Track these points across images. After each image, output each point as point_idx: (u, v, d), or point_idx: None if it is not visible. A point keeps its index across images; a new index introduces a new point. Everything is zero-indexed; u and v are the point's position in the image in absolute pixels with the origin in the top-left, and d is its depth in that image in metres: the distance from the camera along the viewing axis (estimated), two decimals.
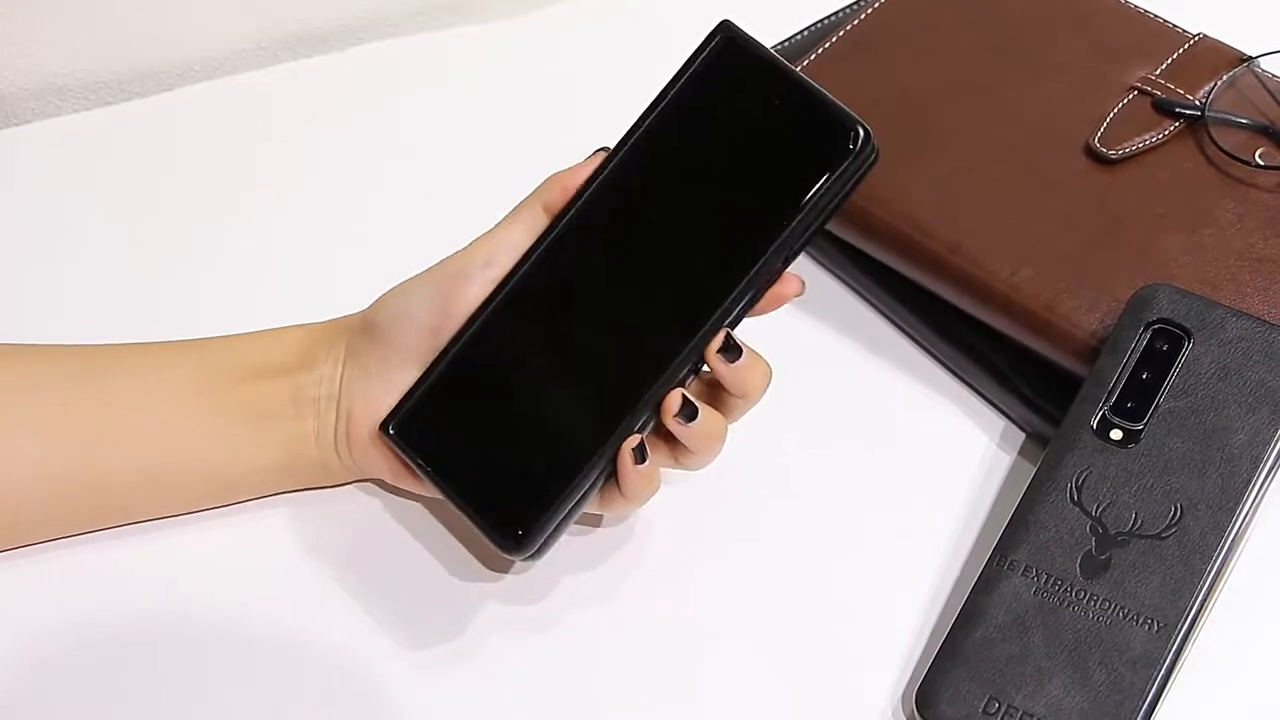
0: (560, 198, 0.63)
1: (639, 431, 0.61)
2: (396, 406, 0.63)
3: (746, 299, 0.61)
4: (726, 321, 0.61)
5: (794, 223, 0.60)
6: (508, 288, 0.63)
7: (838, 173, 0.60)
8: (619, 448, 0.61)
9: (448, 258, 0.64)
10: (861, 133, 0.60)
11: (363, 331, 0.65)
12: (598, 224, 0.63)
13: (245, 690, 0.62)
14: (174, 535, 0.66)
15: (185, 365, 0.65)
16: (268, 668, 0.63)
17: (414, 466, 0.63)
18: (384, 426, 0.63)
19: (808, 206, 0.60)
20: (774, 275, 0.61)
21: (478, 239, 0.64)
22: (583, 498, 0.61)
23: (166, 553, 0.66)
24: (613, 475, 0.61)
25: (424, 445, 0.63)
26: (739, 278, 0.60)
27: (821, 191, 0.60)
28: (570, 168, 0.64)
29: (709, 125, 0.62)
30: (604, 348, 0.62)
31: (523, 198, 0.64)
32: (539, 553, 0.62)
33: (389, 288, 0.65)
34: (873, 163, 0.60)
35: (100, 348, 0.66)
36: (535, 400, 0.62)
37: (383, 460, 0.65)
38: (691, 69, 0.62)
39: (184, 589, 0.65)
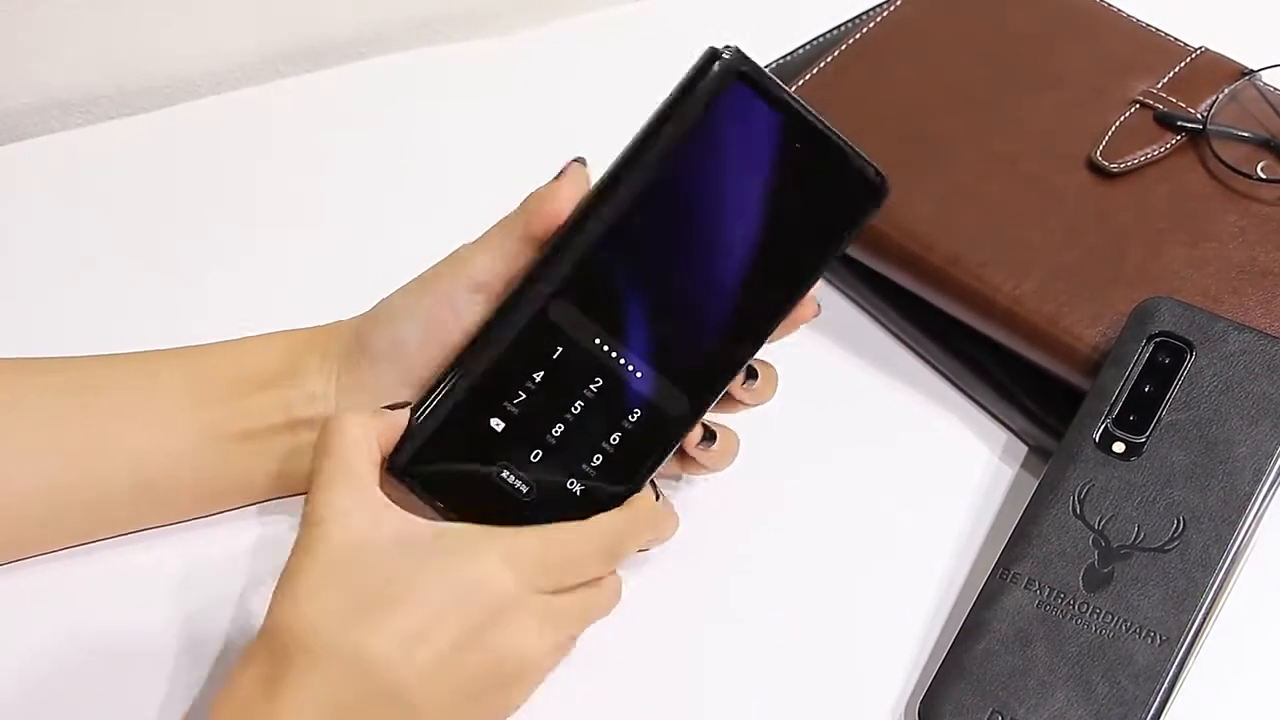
0: (539, 222, 0.61)
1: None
2: (400, 444, 0.61)
3: (762, 340, 0.62)
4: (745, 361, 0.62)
5: (813, 271, 0.61)
6: (506, 316, 0.61)
7: (856, 225, 0.61)
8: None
9: (433, 275, 0.63)
10: (878, 181, 0.60)
11: (357, 349, 0.64)
12: (600, 253, 0.61)
13: None
14: (173, 541, 0.66)
15: (173, 378, 0.65)
16: None
17: (429, 505, 0.61)
18: (393, 468, 0.61)
19: (826, 255, 0.61)
20: (787, 312, 0.62)
21: (459, 256, 0.63)
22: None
23: (166, 559, 0.66)
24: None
25: (436, 484, 0.61)
26: (757, 323, 0.61)
27: (839, 240, 0.61)
28: (549, 184, 0.62)
29: (717, 159, 0.60)
30: (613, 381, 0.61)
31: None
32: None
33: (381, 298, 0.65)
34: (882, 199, 0.61)
35: (87, 360, 0.66)
36: (546, 432, 0.61)
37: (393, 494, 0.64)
38: (688, 96, 0.60)
39: (183, 596, 0.65)
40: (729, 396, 0.63)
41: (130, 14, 0.87)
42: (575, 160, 0.63)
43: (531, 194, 0.62)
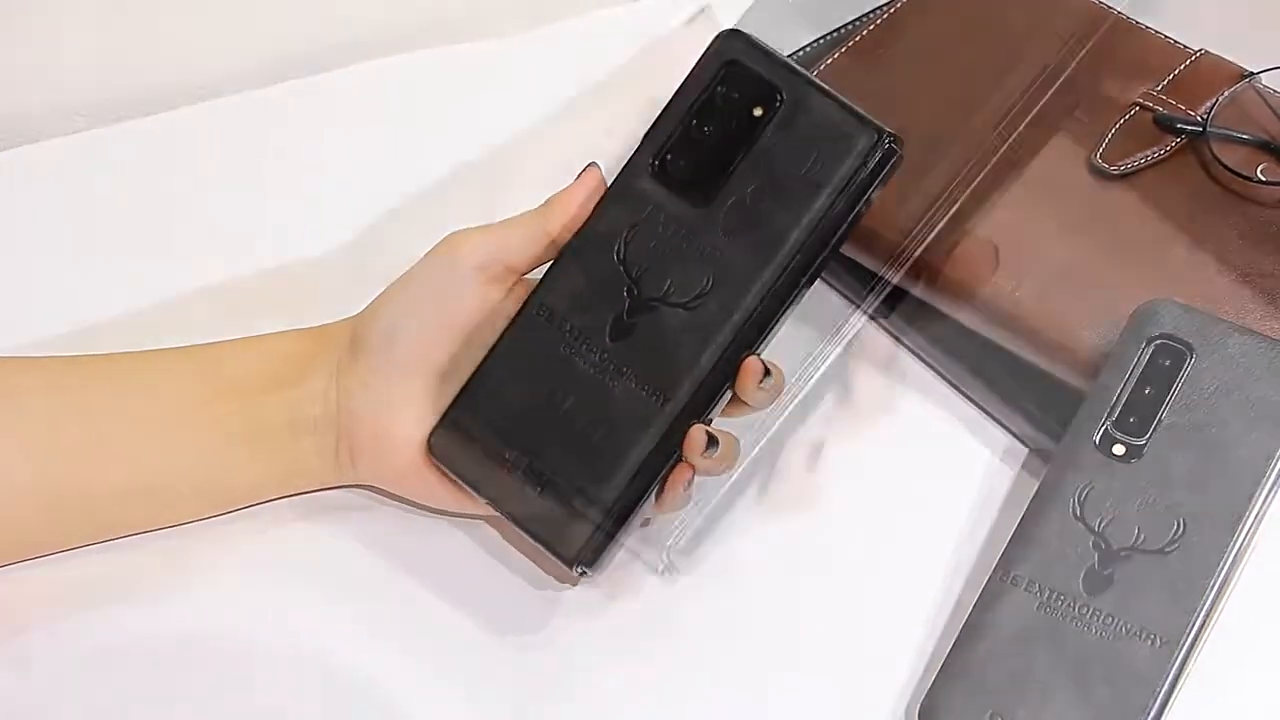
0: (557, 219, 0.63)
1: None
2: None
3: (777, 322, 0.62)
4: (759, 349, 0.62)
5: (816, 234, 0.61)
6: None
7: (859, 180, 0.60)
8: (670, 475, 0.62)
9: (428, 260, 0.64)
10: (880, 135, 0.60)
11: (352, 346, 0.64)
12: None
13: (248, 699, 0.63)
14: (177, 544, 0.66)
15: (177, 378, 0.65)
16: (273, 675, 0.63)
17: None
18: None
19: (834, 214, 0.61)
20: (804, 289, 0.62)
21: (454, 239, 0.64)
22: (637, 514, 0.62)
23: (174, 561, 0.66)
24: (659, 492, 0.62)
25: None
26: (769, 302, 0.61)
27: (844, 200, 0.61)
28: (568, 188, 0.64)
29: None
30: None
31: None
32: (599, 565, 0.62)
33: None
34: (897, 161, 0.61)
35: (89, 359, 0.66)
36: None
37: (420, 483, 0.64)
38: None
39: (187, 599, 0.65)
40: (737, 398, 0.62)
41: (131, 17, 0.87)
42: (591, 164, 0.64)
43: (552, 196, 0.64)
